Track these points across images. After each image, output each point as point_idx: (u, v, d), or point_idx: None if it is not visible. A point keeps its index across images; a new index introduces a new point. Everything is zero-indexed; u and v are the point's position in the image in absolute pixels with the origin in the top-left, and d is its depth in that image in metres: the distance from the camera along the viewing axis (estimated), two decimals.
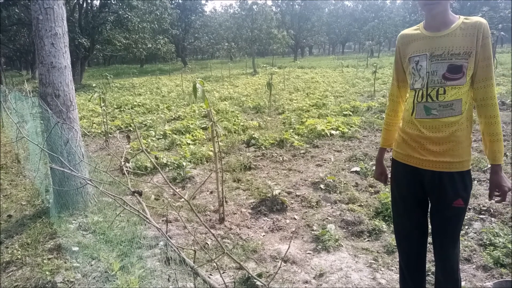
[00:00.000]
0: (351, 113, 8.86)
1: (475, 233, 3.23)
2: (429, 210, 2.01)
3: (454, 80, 1.77)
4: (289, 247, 3.16)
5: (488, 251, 2.89)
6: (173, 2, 40.26)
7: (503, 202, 1.88)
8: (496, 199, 1.86)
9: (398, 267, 2.86)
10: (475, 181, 4.34)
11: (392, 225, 3.42)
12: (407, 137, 1.95)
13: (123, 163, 2.07)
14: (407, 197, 2.04)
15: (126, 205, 1.61)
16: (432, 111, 1.82)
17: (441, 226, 1.94)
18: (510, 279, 2.49)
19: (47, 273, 2.83)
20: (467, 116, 1.82)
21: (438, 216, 1.93)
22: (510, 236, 3.07)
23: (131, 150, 6.34)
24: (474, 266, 2.79)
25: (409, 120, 1.93)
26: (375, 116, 8.33)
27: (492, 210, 3.56)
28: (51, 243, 3.32)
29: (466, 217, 3.45)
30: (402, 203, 2.09)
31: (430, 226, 2.03)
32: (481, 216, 3.52)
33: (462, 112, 1.79)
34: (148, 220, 1.46)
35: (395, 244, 3.06)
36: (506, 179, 1.81)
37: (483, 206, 3.65)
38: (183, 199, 4.24)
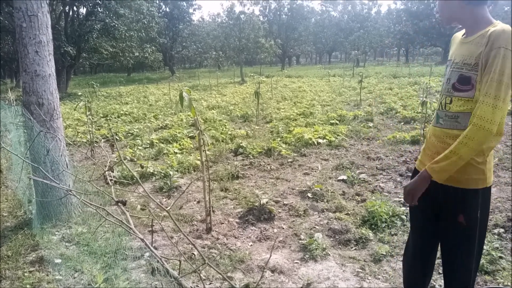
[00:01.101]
0: (338, 121, 8.95)
1: None
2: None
3: (462, 91, 1.69)
4: (270, 255, 3.15)
5: None
6: (161, 10, 40.29)
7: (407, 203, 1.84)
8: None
9: (384, 275, 2.87)
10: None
11: (379, 234, 3.45)
12: (426, 144, 1.94)
13: (106, 172, 2.04)
14: (422, 206, 1.91)
15: (110, 216, 1.58)
16: (439, 119, 1.81)
17: (444, 243, 1.88)
18: (494, 286, 2.52)
19: (27, 286, 2.75)
20: None
21: (442, 232, 1.88)
22: (494, 243, 3.12)
23: (116, 159, 6.25)
24: None
25: (430, 127, 1.94)
26: (362, 125, 8.43)
27: (497, 223, 3.60)
28: (33, 255, 3.23)
29: None
30: (417, 212, 2.04)
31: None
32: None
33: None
34: (132, 231, 1.44)
35: (382, 253, 3.09)
36: (414, 184, 1.75)
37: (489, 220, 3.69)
38: (168, 209, 4.19)
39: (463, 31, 1.81)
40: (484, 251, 2.96)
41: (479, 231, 1.77)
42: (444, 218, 1.85)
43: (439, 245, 1.98)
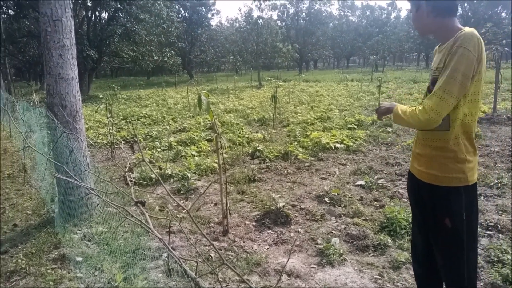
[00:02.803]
0: (355, 126, 8.86)
1: (482, 249, 3.18)
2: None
3: None
4: (288, 258, 3.13)
5: (496, 268, 2.84)
6: (180, 15, 40.92)
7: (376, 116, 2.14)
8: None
9: (403, 283, 2.82)
10: (482, 197, 4.30)
11: (398, 241, 3.40)
12: (413, 147, 2.06)
13: (126, 173, 2.08)
14: (414, 206, 2.14)
15: (129, 216, 1.61)
16: None
17: (435, 239, 1.95)
18: None
19: (50, 283, 2.82)
20: (457, 133, 1.76)
21: (431, 228, 1.96)
22: None
23: (136, 161, 6.37)
24: (482, 284, 2.74)
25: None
26: (380, 130, 8.32)
27: (499, 226, 3.51)
28: (55, 253, 3.31)
29: None
30: (412, 212, 2.20)
31: None
32: (488, 232, 3.48)
33: (449, 128, 1.76)
34: (150, 231, 1.46)
35: (401, 260, 3.04)
36: (384, 108, 2.03)
37: (490, 222, 3.61)
38: (189, 208, 4.24)
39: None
40: (508, 260, 2.89)
41: (467, 233, 1.81)
42: (428, 217, 1.94)
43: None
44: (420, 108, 1.75)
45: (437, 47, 1.96)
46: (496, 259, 2.97)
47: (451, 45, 1.69)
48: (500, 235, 3.39)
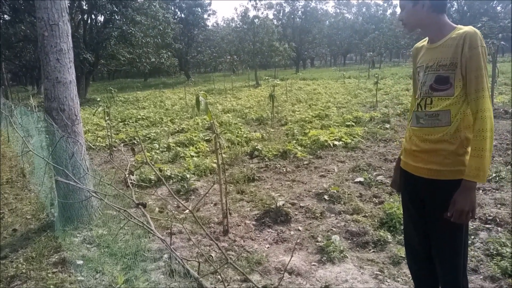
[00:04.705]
0: (353, 123, 8.88)
1: (481, 243, 3.19)
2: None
3: (441, 91, 1.81)
4: (291, 257, 3.15)
5: (496, 261, 2.86)
6: (176, 17, 40.91)
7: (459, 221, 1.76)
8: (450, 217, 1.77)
9: (404, 278, 2.84)
10: (480, 190, 4.31)
11: (397, 236, 3.41)
12: (406, 145, 2.04)
13: (127, 175, 2.08)
14: (409, 205, 2.10)
15: (131, 218, 1.62)
16: (420, 120, 1.91)
17: (434, 237, 1.95)
18: None
19: (51, 287, 2.82)
20: (458, 127, 1.78)
21: (431, 226, 1.97)
22: None
23: (135, 162, 6.37)
24: (481, 277, 2.76)
25: (408, 128, 2.04)
26: (378, 127, 8.34)
27: (498, 220, 3.53)
28: (56, 257, 3.32)
29: (471, 227, 3.42)
30: (406, 211, 2.16)
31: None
32: (487, 225, 3.49)
33: (450, 123, 1.79)
34: (152, 232, 1.47)
35: (401, 255, 3.05)
36: (467, 200, 1.71)
37: (489, 216, 3.63)
38: (187, 211, 4.24)
39: (423, 41, 2.00)
40: (507, 253, 2.91)
41: (466, 225, 1.86)
42: (429, 214, 1.94)
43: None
44: (482, 121, 1.70)
45: (424, 44, 1.97)
46: (495, 252, 2.98)
47: (462, 44, 1.71)
48: (499, 228, 3.41)
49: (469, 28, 1.76)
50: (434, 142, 1.83)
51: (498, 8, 44.71)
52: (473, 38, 1.70)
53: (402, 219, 2.28)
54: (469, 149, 1.80)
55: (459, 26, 1.82)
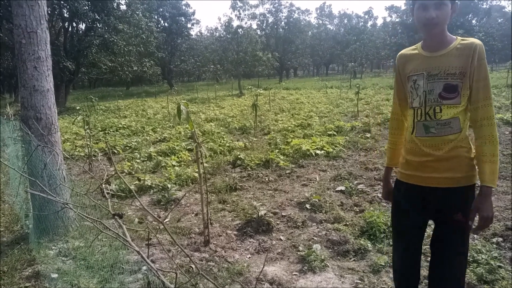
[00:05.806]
0: (335, 133, 8.98)
1: None
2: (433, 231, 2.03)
3: (450, 99, 1.81)
4: (263, 266, 3.13)
5: (472, 268, 2.91)
6: (159, 25, 40.74)
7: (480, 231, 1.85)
8: (474, 227, 1.83)
9: (383, 286, 2.85)
10: None
11: (377, 245, 3.44)
12: (409, 156, 1.96)
13: (103, 185, 2.04)
14: (409, 218, 2.03)
15: (106, 229, 1.57)
16: (431, 129, 1.86)
17: (449, 239, 1.93)
18: None
19: None
20: (465, 133, 1.84)
21: (439, 233, 1.95)
22: (493, 252, 3.11)
23: (113, 172, 6.24)
24: None
25: (410, 139, 1.96)
26: (359, 136, 8.46)
27: (473, 227, 3.60)
28: (29, 270, 3.20)
29: None
30: (405, 220, 2.07)
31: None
32: None
33: (461, 129, 1.82)
34: (127, 244, 1.43)
35: (381, 264, 3.08)
36: (489, 206, 1.77)
37: None
38: (167, 221, 4.18)
39: (411, 48, 1.98)
40: (483, 260, 2.97)
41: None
42: (444, 220, 1.92)
43: (431, 251, 2.05)
44: (488, 128, 1.78)
45: (418, 51, 1.93)
46: (471, 259, 3.04)
47: (472, 55, 1.76)
48: (475, 235, 3.48)
49: (475, 40, 1.81)
50: (450, 149, 1.82)
51: (473, 21, 46.45)
52: (481, 49, 1.78)
53: (393, 228, 2.20)
54: (473, 154, 1.86)
55: (460, 37, 1.86)
